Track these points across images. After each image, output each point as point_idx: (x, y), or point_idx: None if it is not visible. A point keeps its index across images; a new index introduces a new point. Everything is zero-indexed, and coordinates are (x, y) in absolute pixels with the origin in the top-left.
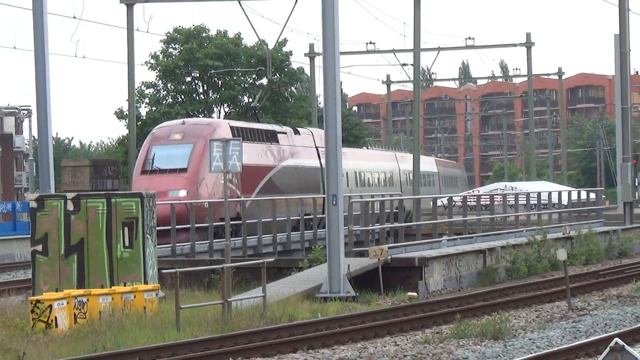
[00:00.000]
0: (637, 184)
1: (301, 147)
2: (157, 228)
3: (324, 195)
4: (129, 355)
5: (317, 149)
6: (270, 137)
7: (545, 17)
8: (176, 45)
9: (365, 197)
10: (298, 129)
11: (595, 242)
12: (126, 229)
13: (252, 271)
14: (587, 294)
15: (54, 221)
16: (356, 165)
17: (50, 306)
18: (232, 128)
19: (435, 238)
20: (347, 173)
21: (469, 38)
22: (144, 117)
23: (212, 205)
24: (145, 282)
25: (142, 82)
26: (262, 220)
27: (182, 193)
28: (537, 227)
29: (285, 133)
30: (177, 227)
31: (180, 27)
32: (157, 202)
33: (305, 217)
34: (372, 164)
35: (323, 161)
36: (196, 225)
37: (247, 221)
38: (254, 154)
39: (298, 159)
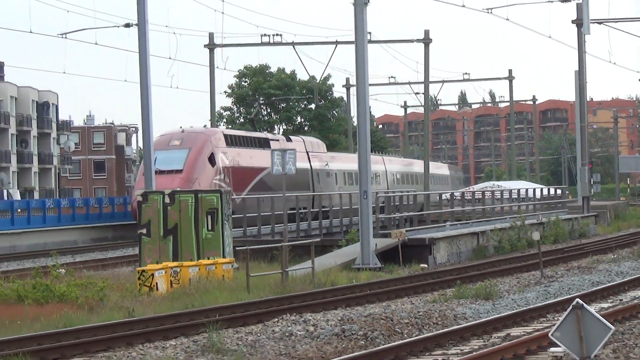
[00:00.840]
0: (591, 183)
1: (297, 153)
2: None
3: (355, 192)
4: (212, 311)
5: (307, 154)
6: (263, 143)
7: (524, 54)
8: (246, 79)
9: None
10: (290, 136)
11: (561, 227)
12: (209, 216)
13: (304, 248)
14: (555, 265)
15: (155, 211)
16: (345, 166)
17: (152, 274)
18: (225, 136)
19: (441, 224)
20: (336, 174)
21: (466, 73)
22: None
23: (262, 200)
24: (224, 257)
25: (221, 107)
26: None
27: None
28: (517, 215)
29: (278, 140)
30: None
31: (249, 65)
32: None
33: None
34: (343, 165)
35: (313, 164)
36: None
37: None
38: (246, 157)
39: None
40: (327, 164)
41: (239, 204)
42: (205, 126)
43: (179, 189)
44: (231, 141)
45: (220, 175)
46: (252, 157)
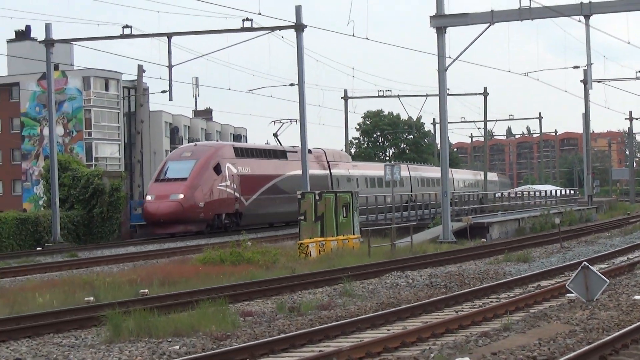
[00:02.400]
0: (593, 186)
1: (312, 162)
2: (157, 223)
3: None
4: (345, 269)
5: (327, 162)
6: (278, 155)
7: (549, 100)
8: (368, 119)
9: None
10: (310, 148)
11: (573, 215)
12: (344, 208)
13: (405, 229)
14: (569, 240)
15: (309, 204)
16: (365, 173)
17: (307, 245)
18: (235, 148)
19: (494, 212)
20: (357, 178)
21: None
22: (352, 156)
23: (361, 195)
24: (353, 234)
25: (352, 137)
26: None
27: (180, 196)
28: (544, 207)
29: (296, 152)
30: (170, 222)
31: (371, 110)
32: (162, 203)
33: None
34: (379, 172)
35: (333, 171)
36: (191, 220)
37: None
38: (257, 166)
39: (309, 169)
40: (348, 171)
41: (247, 205)
42: (342, 149)
43: (181, 195)
44: (241, 153)
45: (226, 182)
46: (264, 166)
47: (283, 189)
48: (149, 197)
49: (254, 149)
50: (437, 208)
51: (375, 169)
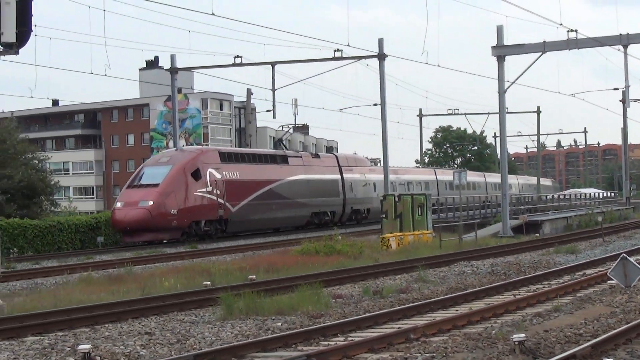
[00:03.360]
0: (630, 189)
1: (320, 167)
2: (124, 231)
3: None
4: (420, 259)
5: (339, 167)
6: (277, 160)
7: (593, 116)
8: (439, 133)
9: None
10: (319, 154)
11: (614, 214)
12: (419, 208)
13: (471, 225)
14: (610, 235)
15: (389, 204)
16: (394, 177)
17: (389, 239)
18: (220, 153)
19: (546, 212)
20: (374, 183)
21: (560, 129)
22: (426, 164)
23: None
24: (427, 229)
25: (426, 148)
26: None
27: (149, 203)
28: (589, 207)
29: (301, 157)
30: (138, 230)
31: (442, 126)
32: (130, 210)
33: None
34: (408, 176)
35: (345, 175)
36: (162, 228)
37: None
38: (248, 171)
39: (314, 174)
40: (364, 175)
41: (234, 211)
42: (375, 159)
43: (150, 202)
44: (228, 158)
45: (207, 187)
46: (258, 171)
47: (282, 194)
48: (118, 204)
49: (245, 153)
50: (486, 209)
51: (399, 173)
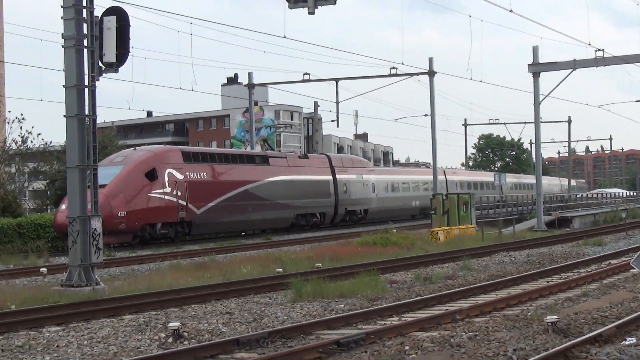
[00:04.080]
0: None
1: (307, 167)
2: (65, 235)
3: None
4: (464, 250)
5: (332, 168)
6: (254, 160)
7: (619, 123)
8: (482, 140)
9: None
10: (308, 154)
11: (636, 210)
12: (464, 205)
13: (509, 220)
14: (632, 229)
15: (438, 202)
16: (385, 178)
17: (437, 232)
18: (184, 153)
19: (576, 209)
20: (373, 183)
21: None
22: (470, 167)
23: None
24: (471, 224)
25: (470, 153)
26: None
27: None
28: (613, 205)
29: (285, 157)
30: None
31: (484, 134)
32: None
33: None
34: (400, 177)
35: (338, 176)
36: (107, 231)
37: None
38: (214, 172)
39: (300, 174)
40: (361, 176)
41: (199, 214)
42: (425, 163)
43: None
44: (193, 158)
45: (164, 188)
46: (230, 171)
47: (260, 195)
48: (62, 206)
49: (215, 153)
50: (522, 206)
51: (398, 174)
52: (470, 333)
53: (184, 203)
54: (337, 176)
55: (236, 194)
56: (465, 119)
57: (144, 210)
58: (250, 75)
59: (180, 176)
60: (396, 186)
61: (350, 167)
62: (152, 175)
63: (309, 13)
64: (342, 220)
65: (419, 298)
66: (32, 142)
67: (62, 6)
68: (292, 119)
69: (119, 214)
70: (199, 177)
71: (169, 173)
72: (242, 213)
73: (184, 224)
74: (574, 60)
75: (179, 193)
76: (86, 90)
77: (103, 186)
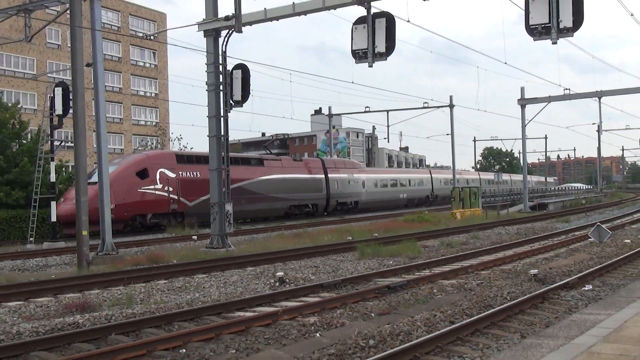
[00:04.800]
0: (602, 184)
1: (300, 168)
2: (62, 223)
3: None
4: (474, 226)
5: (325, 168)
6: (246, 162)
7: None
8: (486, 151)
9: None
10: (303, 158)
11: (591, 198)
12: (473, 195)
13: (505, 205)
14: (590, 211)
15: (457, 193)
16: (373, 177)
17: (455, 213)
18: (177, 156)
19: (550, 197)
20: (363, 181)
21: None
22: (478, 170)
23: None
24: (478, 207)
25: (477, 160)
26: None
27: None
28: (576, 194)
29: (279, 160)
30: (71, 222)
31: (487, 147)
32: (65, 205)
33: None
34: (389, 175)
35: (330, 175)
36: (95, 221)
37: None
38: (204, 172)
39: (293, 173)
40: (352, 175)
41: (191, 205)
42: (447, 166)
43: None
44: (187, 160)
45: (155, 185)
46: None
47: (254, 190)
48: (62, 199)
49: (195, 155)
50: (513, 195)
51: (388, 173)
52: (478, 281)
53: (176, 197)
54: (329, 175)
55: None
56: (474, 137)
57: (133, 204)
58: (330, 108)
59: (172, 175)
60: (385, 183)
61: (342, 168)
62: (143, 174)
63: (369, 66)
64: (334, 210)
65: (443, 257)
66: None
67: (206, 64)
68: (357, 137)
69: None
70: (192, 176)
71: (160, 172)
72: (236, 205)
73: (176, 214)
74: (549, 96)
75: (171, 189)
76: (222, 119)
77: (95, 183)
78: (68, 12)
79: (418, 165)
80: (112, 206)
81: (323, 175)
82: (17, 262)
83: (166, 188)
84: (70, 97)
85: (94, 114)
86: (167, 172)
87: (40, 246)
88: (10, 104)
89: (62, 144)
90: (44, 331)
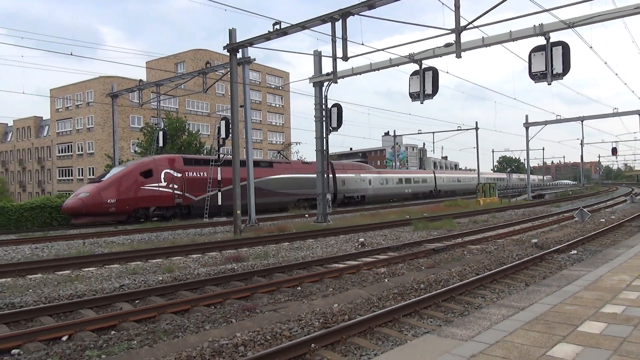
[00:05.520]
0: (583, 181)
1: (308, 169)
2: (69, 216)
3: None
4: (492, 209)
5: (332, 169)
6: (256, 164)
7: None
8: (501, 158)
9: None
10: (309, 161)
11: (576, 190)
12: (492, 188)
13: (514, 195)
14: (575, 199)
15: (480, 186)
16: (376, 176)
17: (480, 200)
18: (184, 159)
19: (546, 190)
20: (370, 179)
21: (553, 155)
22: (495, 171)
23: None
24: (496, 197)
25: (495, 164)
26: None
27: (86, 195)
28: (565, 188)
29: (289, 162)
30: (74, 215)
31: (502, 156)
32: (71, 199)
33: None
34: (395, 175)
35: (337, 175)
36: (99, 213)
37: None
38: (205, 172)
39: (301, 173)
40: (359, 175)
41: (196, 200)
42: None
43: (86, 194)
44: (194, 162)
45: (160, 183)
46: (226, 172)
47: (262, 187)
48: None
49: (196, 159)
50: (520, 188)
51: (391, 173)
52: (495, 247)
53: (181, 193)
54: (337, 175)
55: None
56: (492, 149)
57: (135, 198)
58: (394, 131)
59: (178, 174)
60: (390, 181)
61: (351, 169)
62: (147, 174)
63: (420, 103)
64: (342, 203)
65: (470, 230)
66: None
67: (314, 103)
68: (413, 150)
69: (109, 201)
70: (197, 175)
71: (165, 172)
72: (242, 199)
73: (182, 207)
74: (545, 120)
75: (176, 186)
76: (324, 139)
77: (101, 181)
78: (229, 73)
79: (452, 168)
80: (112, 200)
81: (331, 175)
82: (197, 230)
83: (171, 185)
84: (230, 127)
85: (244, 137)
86: (172, 172)
87: (211, 220)
88: (194, 132)
89: (224, 156)
90: (213, 273)
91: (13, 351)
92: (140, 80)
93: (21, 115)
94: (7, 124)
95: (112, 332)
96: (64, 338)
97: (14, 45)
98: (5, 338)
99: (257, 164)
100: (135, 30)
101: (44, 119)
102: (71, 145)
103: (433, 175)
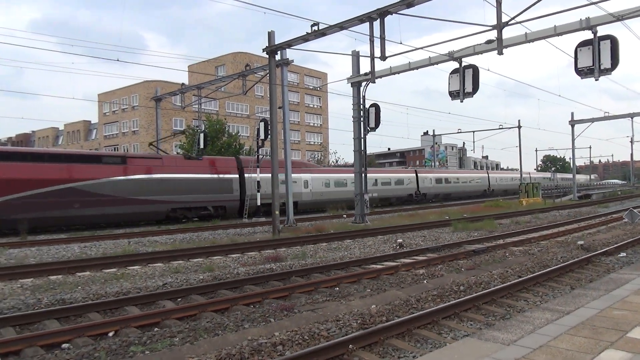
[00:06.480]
0: (633, 181)
1: (197, 167)
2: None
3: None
4: (535, 210)
5: (239, 169)
6: (67, 159)
7: None
8: (545, 157)
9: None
10: (204, 157)
11: (626, 190)
12: (535, 188)
13: (558, 195)
14: (624, 199)
15: (523, 186)
16: (321, 176)
17: (522, 201)
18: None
19: (593, 190)
20: (306, 181)
21: (600, 154)
22: (538, 171)
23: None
24: (539, 197)
25: (538, 164)
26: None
27: None
28: (614, 188)
29: (160, 159)
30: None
31: (545, 155)
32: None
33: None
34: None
35: (246, 175)
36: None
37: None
38: (18, 170)
39: (179, 174)
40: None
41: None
42: (515, 169)
43: None
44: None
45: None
46: (32, 170)
47: (94, 192)
48: None
49: (29, 152)
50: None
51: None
52: (539, 248)
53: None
54: (246, 175)
55: (48, 191)
56: (536, 148)
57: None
58: (434, 130)
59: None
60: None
61: (268, 167)
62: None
63: (460, 102)
64: (256, 213)
65: (513, 231)
66: (340, 161)
67: (352, 103)
68: (452, 150)
69: None
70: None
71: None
72: (53, 208)
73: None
74: (592, 118)
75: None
76: (362, 139)
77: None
78: (268, 75)
79: (494, 168)
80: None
81: (236, 175)
82: (237, 229)
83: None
84: (269, 128)
85: (282, 138)
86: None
87: (250, 220)
88: (234, 133)
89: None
90: (252, 273)
91: (63, 345)
92: (183, 84)
93: (71, 119)
94: (58, 128)
95: (155, 329)
96: (111, 334)
97: (63, 52)
98: (56, 333)
99: (83, 158)
100: (177, 35)
101: (92, 122)
102: (117, 147)
103: (415, 175)
